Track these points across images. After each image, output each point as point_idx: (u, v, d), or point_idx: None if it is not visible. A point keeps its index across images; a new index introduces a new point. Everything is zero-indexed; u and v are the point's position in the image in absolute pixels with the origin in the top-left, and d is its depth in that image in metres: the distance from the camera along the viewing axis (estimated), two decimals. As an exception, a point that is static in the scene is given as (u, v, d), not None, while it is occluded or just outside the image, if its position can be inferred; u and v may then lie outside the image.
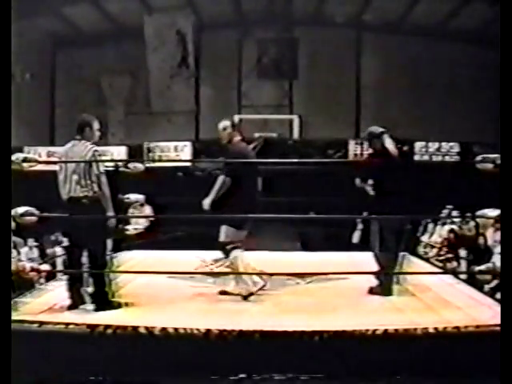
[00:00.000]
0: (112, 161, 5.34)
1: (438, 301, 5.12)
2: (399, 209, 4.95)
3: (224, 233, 5.43)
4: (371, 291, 5.36)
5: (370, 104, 19.08)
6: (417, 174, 5.57)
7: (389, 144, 5.44)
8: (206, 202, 5.38)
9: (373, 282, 5.39)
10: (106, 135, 18.77)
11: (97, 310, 4.69)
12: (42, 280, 7.05)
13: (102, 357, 3.95)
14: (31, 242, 10.07)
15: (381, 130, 5.53)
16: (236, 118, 17.52)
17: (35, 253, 9.85)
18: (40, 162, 5.30)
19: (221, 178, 5.39)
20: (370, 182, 5.44)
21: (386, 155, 5.41)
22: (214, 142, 16.75)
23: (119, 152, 16.52)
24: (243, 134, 5.89)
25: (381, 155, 5.45)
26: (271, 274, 5.88)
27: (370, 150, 5.64)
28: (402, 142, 16.39)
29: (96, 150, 4.87)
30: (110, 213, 4.86)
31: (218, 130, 5.75)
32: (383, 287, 5.29)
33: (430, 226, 12.06)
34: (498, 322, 3.74)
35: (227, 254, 5.44)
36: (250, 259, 5.55)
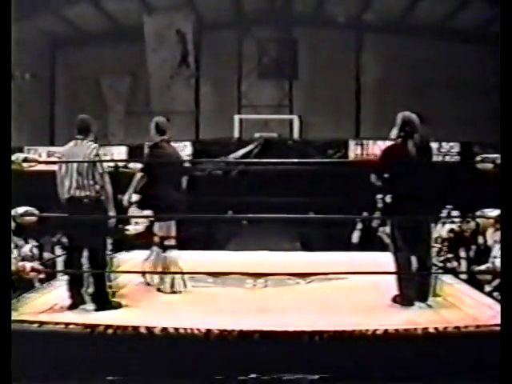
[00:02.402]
0: (113, 161, 5.36)
1: (437, 301, 5.11)
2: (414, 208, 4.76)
3: (157, 225, 5.75)
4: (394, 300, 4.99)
5: (370, 104, 19.09)
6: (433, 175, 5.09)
7: (410, 146, 4.97)
8: (125, 198, 5.68)
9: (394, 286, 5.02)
10: (106, 135, 18.80)
11: (97, 309, 4.69)
12: (42, 280, 7.04)
13: (102, 357, 3.95)
14: (32, 242, 10.07)
15: (414, 129, 5.01)
16: (236, 117, 17.58)
17: (35, 253, 9.85)
18: (40, 162, 5.31)
19: (138, 175, 5.68)
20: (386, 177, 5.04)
21: (404, 152, 4.99)
22: (214, 142, 16.87)
23: (119, 152, 16.52)
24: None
25: (399, 150, 5.04)
26: (271, 274, 5.89)
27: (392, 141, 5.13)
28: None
29: (99, 150, 4.88)
30: (112, 213, 4.88)
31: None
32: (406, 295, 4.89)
33: (431, 226, 12.06)
34: (498, 321, 3.74)
35: (164, 250, 5.70)
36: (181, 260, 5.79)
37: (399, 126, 5.07)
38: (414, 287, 4.92)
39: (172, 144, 6.00)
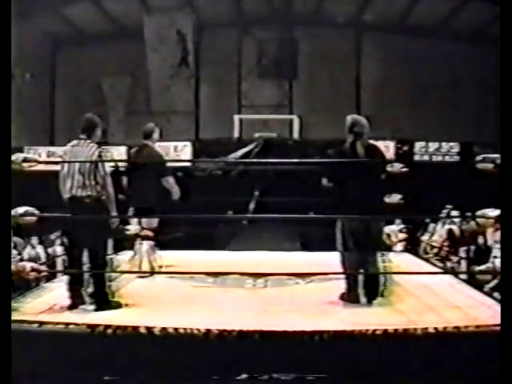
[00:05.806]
0: (113, 161, 5.38)
1: (438, 301, 5.11)
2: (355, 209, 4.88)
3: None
4: (342, 297, 5.08)
5: (370, 104, 19.10)
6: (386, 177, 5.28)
7: (359, 147, 5.17)
8: None
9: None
10: (106, 135, 18.81)
11: (97, 310, 4.69)
12: (42, 280, 7.05)
13: (102, 357, 3.95)
14: (32, 241, 10.08)
15: (362, 130, 5.18)
16: (236, 117, 17.58)
17: (35, 253, 9.86)
18: (40, 162, 5.30)
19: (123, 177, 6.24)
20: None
21: (352, 153, 5.16)
22: (214, 142, 16.88)
23: (119, 152, 16.51)
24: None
25: (347, 152, 5.20)
26: (271, 274, 5.89)
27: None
28: (403, 142, 16.47)
29: (101, 151, 4.87)
30: (114, 213, 4.87)
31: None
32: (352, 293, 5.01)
33: (431, 226, 12.08)
34: (498, 321, 3.74)
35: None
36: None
37: (348, 127, 5.23)
38: (361, 286, 5.02)
39: (153, 147, 6.48)
